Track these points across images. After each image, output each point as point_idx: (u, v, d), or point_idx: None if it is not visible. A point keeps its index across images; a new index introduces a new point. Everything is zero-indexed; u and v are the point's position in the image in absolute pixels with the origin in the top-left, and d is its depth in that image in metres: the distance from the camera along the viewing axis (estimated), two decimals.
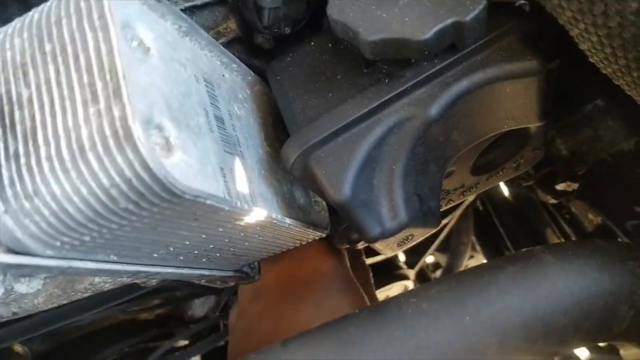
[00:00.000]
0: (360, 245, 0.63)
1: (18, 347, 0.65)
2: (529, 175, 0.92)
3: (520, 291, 0.40)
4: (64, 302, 0.49)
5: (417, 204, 0.42)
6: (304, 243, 0.49)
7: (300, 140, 0.40)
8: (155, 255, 0.38)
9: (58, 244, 0.30)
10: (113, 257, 0.35)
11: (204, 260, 0.44)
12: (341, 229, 0.56)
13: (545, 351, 0.41)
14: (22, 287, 0.37)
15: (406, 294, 0.42)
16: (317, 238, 0.49)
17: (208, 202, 0.30)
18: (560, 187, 0.85)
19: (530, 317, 0.39)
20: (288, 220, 0.41)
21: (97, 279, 0.46)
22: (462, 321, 0.38)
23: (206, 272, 0.46)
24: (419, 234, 0.44)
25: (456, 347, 0.37)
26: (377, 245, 0.42)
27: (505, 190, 1.01)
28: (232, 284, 0.56)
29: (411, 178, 0.41)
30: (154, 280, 0.51)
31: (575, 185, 0.84)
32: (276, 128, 0.48)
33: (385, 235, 0.40)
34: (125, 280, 0.48)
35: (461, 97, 0.40)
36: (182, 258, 0.41)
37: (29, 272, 0.30)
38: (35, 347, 0.73)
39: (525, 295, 0.40)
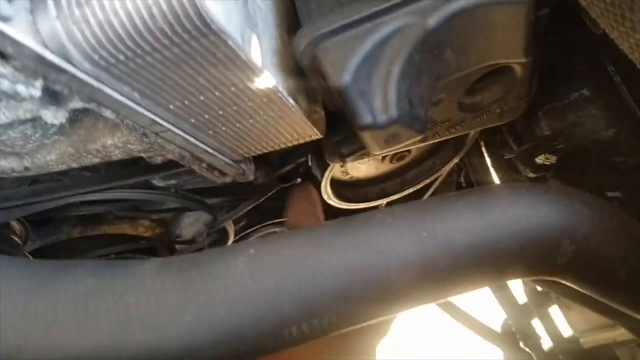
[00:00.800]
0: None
1: (15, 225, 0.68)
2: (511, 149, 0.97)
3: (473, 215, 0.43)
4: (74, 165, 0.54)
5: (407, 106, 0.47)
6: (300, 141, 0.54)
7: (311, 29, 0.44)
8: (172, 107, 0.42)
9: (96, 57, 0.34)
10: (136, 96, 0.39)
11: (211, 132, 0.48)
12: (333, 143, 0.61)
13: (492, 275, 0.44)
14: (48, 115, 0.41)
15: (374, 210, 0.47)
16: (312, 138, 0.54)
17: (230, 42, 0.35)
18: (539, 159, 0.91)
19: (480, 239, 0.42)
20: (292, 101, 0.45)
21: (109, 141, 0.50)
22: (420, 235, 0.41)
23: (210, 150, 0.51)
24: (405, 137, 0.48)
25: (412, 257, 0.40)
26: (366, 136, 0.47)
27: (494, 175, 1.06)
28: (228, 179, 0.61)
29: (405, 82, 0.46)
30: (160, 157, 0.55)
31: (553, 159, 0.90)
32: (289, 33, 0.53)
33: (375, 125, 0.45)
34: (134, 150, 0.52)
35: (458, 14, 0.45)
36: (193, 121, 0.45)
37: (65, 80, 0.35)
38: (31, 240, 0.77)
39: (477, 219, 0.43)
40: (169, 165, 0.65)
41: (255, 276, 0.37)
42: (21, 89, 0.33)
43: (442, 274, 0.39)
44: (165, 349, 0.34)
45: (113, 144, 0.50)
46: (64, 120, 0.42)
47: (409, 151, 0.86)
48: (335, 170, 0.85)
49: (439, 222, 0.41)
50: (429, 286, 0.40)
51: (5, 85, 0.32)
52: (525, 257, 0.43)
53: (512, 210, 0.43)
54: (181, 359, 0.35)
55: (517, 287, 1.41)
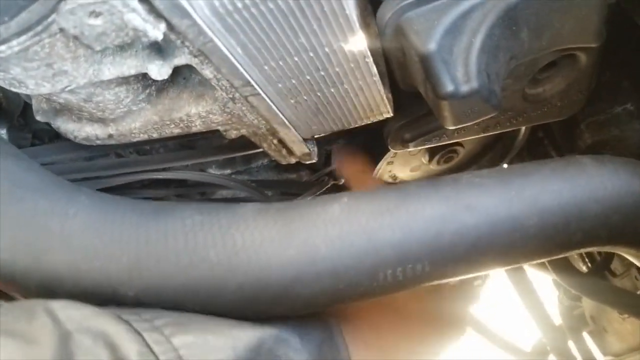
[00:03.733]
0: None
1: None
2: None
3: (559, 180, 0.46)
4: (154, 135, 0.56)
5: (486, 80, 0.48)
6: (369, 120, 0.56)
7: (396, 0, 0.47)
8: (266, 67, 0.44)
9: (217, 3, 0.36)
10: (239, 51, 0.42)
11: (293, 102, 0.50)
12: (397, 127, 0.62)
13: (577, 239, 0.46)
14: (154, 69, 0.43)
15: (460, 173, 0.49)
16: (383, 117, 0.55)
17: None
18: None
19: (566, 201, 0.45)
20: (375, 70, 0.47)
21: (193, 110, 0.52)
22: (508, 194, 0.44)
23: (287, 122, 0.53)
24: (481, 111, 0.50)
25: (501, 214, 0.43)
26: (445, 108, 0.48)
27: None
28: (293, 160, 0.62)
29: (484, 55, 0.48)
30: (234, 132, 0.57)
31: None
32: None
33: (457, 94, 0.46)
34: (214, 121, 0.54)
35: None
36: (280, 86, 0.47)
37: (185, 26, 0.37)
38: None
39: (564, 183, 0.46)
40: (232, 147, 0.67)
41: (351, 219, 0.38)
42: (149, 28, 0.35)
43: (531, 231, 0.40)
44: (270, 280, 0.36)
45: (196, 113, 0.52)
46: (166, 77, 0.44)
47: (456, 152, 0.88)
48: (383, 173, 0.87)
49: (526, 183, 0.42)
50: (516, 245, 0.41)
51: (138, 22, 0.34)
52: (610, 222, 0.43)
53: (597, 177, 0.44)
54: (285, 289, 0.36)
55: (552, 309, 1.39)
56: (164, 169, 0.67)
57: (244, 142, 0.67)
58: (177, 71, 0.49)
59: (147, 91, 0.51)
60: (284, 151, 0.59)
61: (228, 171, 0.78)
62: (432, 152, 0.86)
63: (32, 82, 0.42)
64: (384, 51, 0.50)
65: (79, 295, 0.35)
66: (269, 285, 0.36)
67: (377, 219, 0.39)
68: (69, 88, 0.44)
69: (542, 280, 1.30)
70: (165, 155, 0.66)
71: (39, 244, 0.35)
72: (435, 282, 0.39)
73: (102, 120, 0.53)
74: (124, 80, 0.48)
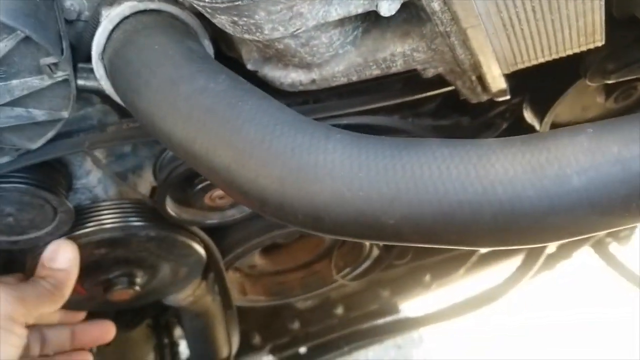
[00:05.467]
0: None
1: None
2: None
3: None
4: (354, 77, 0.57)
5: None
6: (578, 49, 0.53)
7: None
8: None
9: None
10: None
11: (506, 33, 0.48)
12: (600, 58, 0.59)
13: None
14: (384, 5, 0.43)
15: None
16: (591, 45, 0.52)
17: None
18: None
19: None
20: None
21: (399, 49, 0.52)
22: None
23: (495, 55, 0.51)
24: None
25: None
26: None
27: None
28: (485, 98, 0.61)
29: None
30: (432, 70, 0.57)
31: None
32: None
33: None
34: (417, 59, 0.54)
35: None
36: (501, 16, 0.46)
37: None
38: None
39: None
40: (413, 89, 0.67)
41: (602, 149, 0.37)
42: None
43: None
44: (525, 211, 0.36)
45: (401, 52, 0.53)
46: (394, 12, 0.44)
47: (636, 88, 0.81)
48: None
49: None
50: None
51: None
52: None
53: None
54: (538, 221, 0.36)
55: None
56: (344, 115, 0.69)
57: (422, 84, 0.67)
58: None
59: (355, 33, 0.53)
60: (479, 88, 0.58)
61: (396, 117, 0.79)
62: (609, 90, 0.80)
63: (269, 27, 0.45)
64: None
65: (343, 224, 0.38)
66: (524, 216, 0.36)
67: (630, 148, 0.37)
68: (299, 31, 0.46)
69: None
70: (350, 101, 0.68)
71: (307, 175, 0.37)
72: None
73: (307, 66, 0.55)
74: (339, 23, 0.49)
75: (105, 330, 0.74)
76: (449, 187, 0.37)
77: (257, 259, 0.97)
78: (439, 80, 0.62)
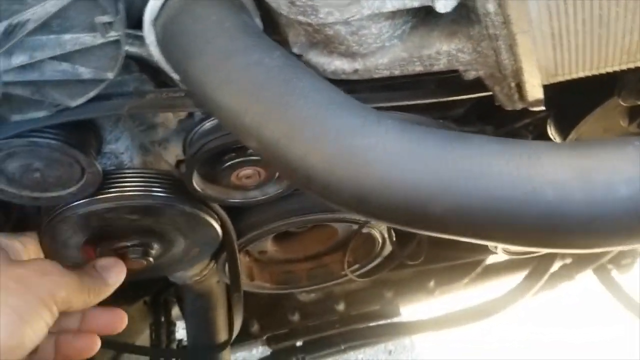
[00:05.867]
0: None
1: None
2: None
3: None
4: (396, 72, 0.58)
5: None
6: (623, 66, 0.53)
7: None
8: (552, 3, 0.44)
9: None
10: None
11: (552, 42, 0.49)
12: (636, 78, 0.59)
13: None
14: (440, 2, 0.44)
15: None
16: (636, 64, 0.53)
17: None
18: None
19: None
20: None
21: (444, 47, 0.53)
22: None
23: (539, 63, 0.52)
24: None
25: None
26: None
27: None
28: (520, 106, 0.62)
29: None
30: (473, 73, 0.57)
31: None
32: None
33: None
34: (460, 60, 0.54)
35: None
36: (553, 24, 0.46)
37: None
38: None
39: None
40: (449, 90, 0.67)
41: None
42: None
43: None
44: (571, 217, 0.37)
45: (446, 51, 0.53)
46: (450, 10, 0.45)
47: None
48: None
49: None
50: None
51: None
52: None
53: None
54: (584, 228, 0.36)
55: None
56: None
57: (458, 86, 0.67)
58: (428, 9, 0.49)
59: (403, 28, 0.53)
60: (516, 96, 0.59)
61: (428, 117, 0.79)
62: (633, 114, 0.81)
63: (325, 10, 0.45)
64: None
65: (388, 208, 0.38)
66: (569, 219, 0.37)
67: None
68: (353, 18, 0.46)
69: None
70: (383, 95, 0.68)
71: (357, 157, 0.38)
72: None
73: (352, 55, 0.56)
74: (391, 15, 0.50)
75: (117, 319, 0.73)
76: (497, 183, 0.37)
77: (269, 245, 0.98)
78: (473, 85, 0.62)
